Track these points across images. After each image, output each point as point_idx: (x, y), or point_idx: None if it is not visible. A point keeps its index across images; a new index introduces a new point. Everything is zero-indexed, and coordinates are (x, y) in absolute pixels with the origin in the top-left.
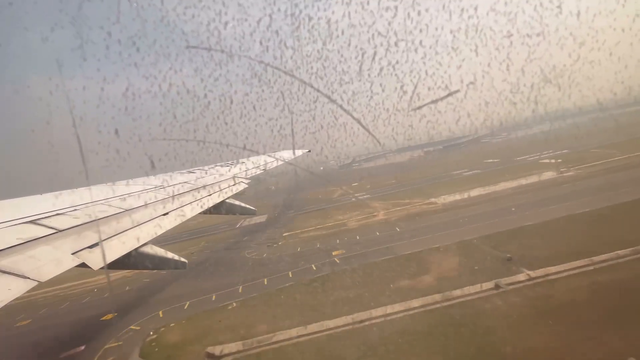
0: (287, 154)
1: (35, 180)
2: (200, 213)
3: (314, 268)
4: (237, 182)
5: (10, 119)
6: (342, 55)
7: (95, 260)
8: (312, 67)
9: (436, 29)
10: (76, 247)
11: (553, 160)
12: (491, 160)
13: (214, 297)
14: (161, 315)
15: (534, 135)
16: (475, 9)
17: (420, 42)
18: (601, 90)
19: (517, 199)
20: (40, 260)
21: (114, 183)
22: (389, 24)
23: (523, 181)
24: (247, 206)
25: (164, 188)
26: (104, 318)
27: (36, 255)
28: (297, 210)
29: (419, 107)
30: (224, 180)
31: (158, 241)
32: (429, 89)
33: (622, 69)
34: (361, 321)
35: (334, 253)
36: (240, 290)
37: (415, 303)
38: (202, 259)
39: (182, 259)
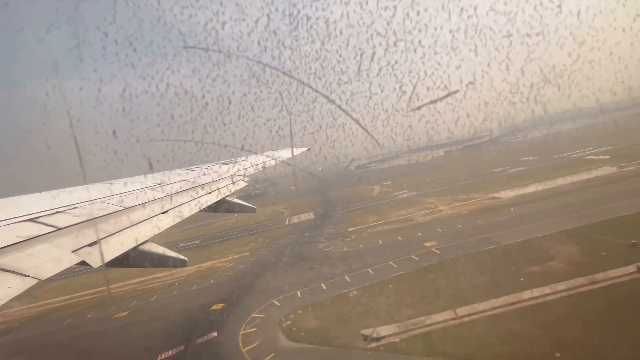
0: (286, 153)
1: (33, 181)
2: (200, 211)
3: (416, 258)
4: (236, 180)
5: (7, 120)
6: (340, 56)
7: (95, 259)
8: (310, 68)
9: (435, 28)
10: (76, 245)
11: (602, 157)
12: (528, 158)
13: (324, 286)
14: (278, 304)
15: (556, 134)
16: (475, 8)
17: (420, 42)
18: (601, 90)
19: (591, 192)
20: (40, 259)
21: (113, 182)
22: (388, 23)
23: (584, 176)
24: (247, 204)
25: (163, 186)
26: (213, 308)
27: (36, 254)
28: (343, 207)
29: (418, 108)
30: (223, 179)
31: (212, 238)
32: (428, 89)
33: (623, 68)
34: (513, 303)
35: (426, 244)
36: (348, 280)
37: (562, 286)
38: (279, 253)
39: (182, 257)
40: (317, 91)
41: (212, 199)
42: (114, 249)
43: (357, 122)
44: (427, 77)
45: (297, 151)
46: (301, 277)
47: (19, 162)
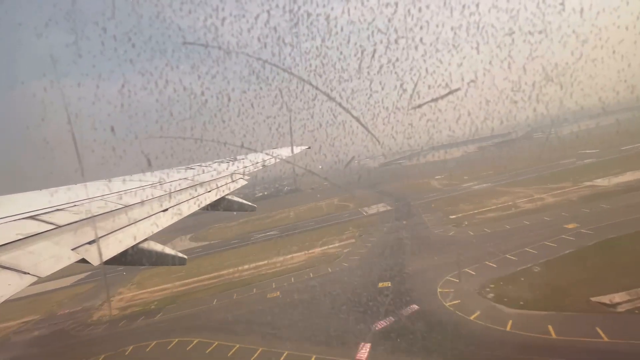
0: (286, 151)
1: (32, 177)
2: (199, 209)
3: (571, 238)
4: (236, 179)
5: (4, 116)
6: (341, 53)
7: (94, 256)
8: (310, 65)
9: (437, 26)
10: (76, 242)
11: None
12: (589, 151)
13: (492, 264)
14: (455, 280)
15: (591, 130)
16: (477, 5)
17: (421, 39)
18: (603, 89)
19: None
20: (40, 256)
21: (113, 179)
22: (389, 20)
23: None
24: (247, 203)
25: (162, 185)
26: (381, 285)
27: (36, 251)
28: (415, 199)
29: (419, 106)
30: (223, 177)
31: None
32: (429, 87)
33: (626, 67)
34: None
35: (568, 226)
36: (515, 259)
37: None
38: (394, 238)
39: (182, 255)
40: (317, 88)
41: (211, 197)
42: (113, 246)
43: (358, 120)
44: (429, 75)
45: (297, 150)
46: (449, 258)
47: (18, 159)
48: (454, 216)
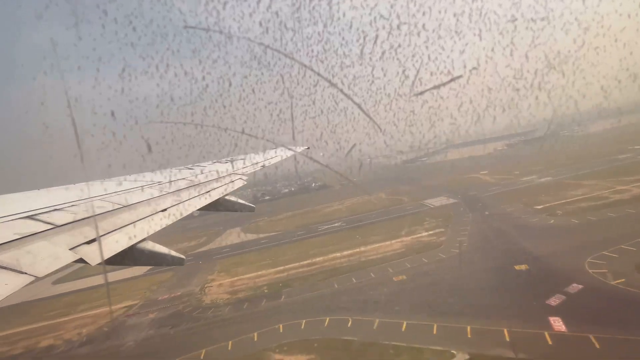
0: (284, 152)
1: (27, 170)
2: (198, 210)
3: None
4: (235, 179)
5: (1, 100)
6: (343, 38)
7: (92, 256)
8: (312, 50)
9: (439, 12)
10: (74, 242)
11: None
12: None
13: (629, 247)
14: (605, 262)
15: (621, 128)
16: None
17: (423, 25)
18: (605, 77)
19: None
20: (38, 256)
21: (111, 179)
22: (392, 6)
23: None
24: (246, 203)
25: (162, 184)
26: (518, 268)
27: (33, 251)
28: (481, 192)
29: (421, 93)
30: (222, 177)
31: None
32: (431, 74)
33: (628, 55)
34: None
35: None
36: None
37: None
38: (489, 227)
39: (180, 255)
40: (319, 74)
41: (209, 197)
42: (111, 246)
43: (359, 106)
44: (431, 61)
45: (296, 150)
46: (571, 242)
47: (15, 146)
48: (539, 207)
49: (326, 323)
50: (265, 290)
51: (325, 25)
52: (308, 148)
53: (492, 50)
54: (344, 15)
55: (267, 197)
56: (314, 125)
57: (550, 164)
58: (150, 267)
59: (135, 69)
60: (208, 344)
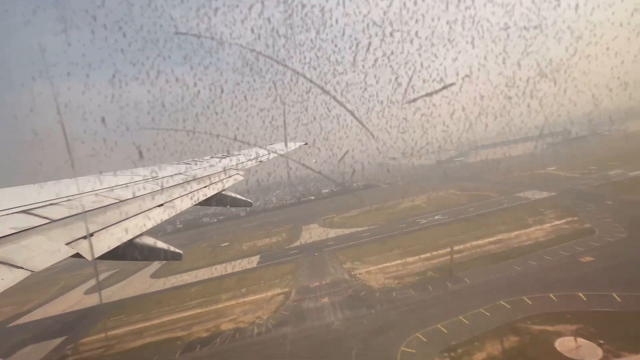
0: (280, 147)
1: (21, 170)
2: (195, 205)
3: None
4: (231, 174)
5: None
6: (336, 45)
7: (89, 251)
8: (305, 57)
9: (432, 19)
10: (70, 237)
11: None
12: None
13: None
14: None
15: None
16: None
17: (416, 33)
18: (597, 85)
19: None
20: (34, 250)
21: (107, 174)
22: (385, 13)
23: None
24: (243, 198)
25: (158, 180)
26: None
27: (29, 245)
28: (574, 185)
29: (414, 100)
30: (218, 173)
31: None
32: (424, 81)
33: (619, 64)
34: None
35: None
36: None
37: None
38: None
39: (177, 250)
40: (311, 81)
41: (207, 192)
42: (108, 241)
43: (352, 113)
44: (424, 69)
45: (294, 145)
46: None
47: (7, 149)
48: None
49: (554, 298)
50: (434, 275)
51: (317, 32)
52: (306, 144)
53: (485, 57)
54: (336, 22)
55: (311, 197)
56: (307, 131)
57: (620, 159)
58: (260, 262)
59: (126, 75)
60: (442, 319)
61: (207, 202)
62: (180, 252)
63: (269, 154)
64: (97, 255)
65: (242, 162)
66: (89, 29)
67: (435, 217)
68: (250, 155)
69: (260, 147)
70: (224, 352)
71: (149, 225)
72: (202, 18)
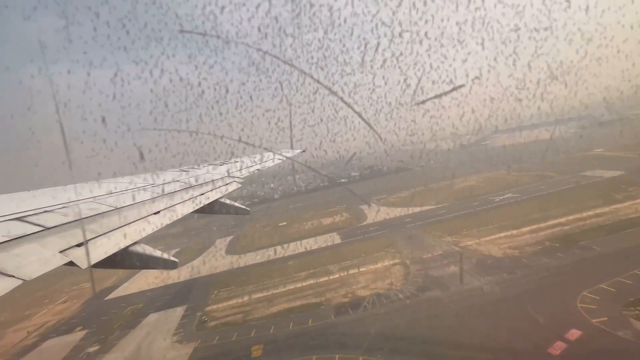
0: (280, 155)
1: (15, 170)
2: (191, 212)
3: None
4: (229, 182)
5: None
6: (344, 45)
7: (83, 259)
8: (312, 57)
9: (442, 20)
10: (64, 245)
11: None
12: None
13: None
14: None
15: None
16: (483, 0)
17: (426, 33)
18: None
19: None
20: (27, 259)
21: (103, 181)
22: (394, 13)
23: None
24: (241, 206)
25: (155, 186)
26: None
27: (22, 253)
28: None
29: (423, 102)
30: (216, 180)
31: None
32: (433, 82)
33: (630, 66)
34: None
35: None
36: None
37: None
38: None
39: (173, 259)
40: (319, 82)
41: (203, 200)
42: (103, 249)
43: (360, 115)
44: (433, 70)
45: (292, 152)
46: None
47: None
48: None
49: None
50: (555, 244)
51: (325, 32)
52: (304, 151)
53: (495, 59)
54: (345, 21)
55: (343, 180)
56: (313, 133)
57: None
58: (344, 238)
59: (128, 74)
60: (600, 280)
61: (204, 209)
62: (176, 260)
63: (268, 160)
64: (90, 263)
65: (240, 170)
66: (91, 26)
67: (507, 195)
68: (249, 163)
69: (260, 154)
70: (385, 313)
71: (145, 233)
72: (207, 16)
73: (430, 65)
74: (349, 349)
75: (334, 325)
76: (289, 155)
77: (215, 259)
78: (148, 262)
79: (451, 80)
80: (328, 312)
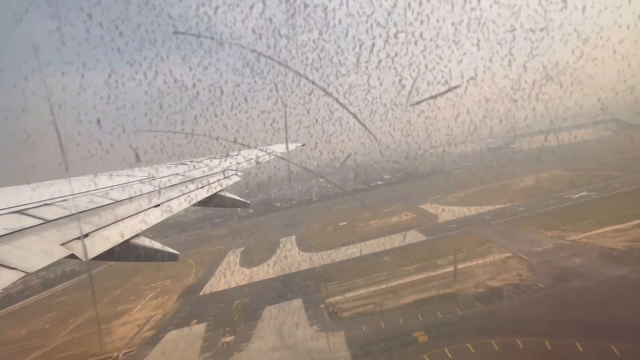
0: (280, 148)
1: (15, 171)
2: (192, 205)
3: None
4: (229, 175)
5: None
6: (339, 46)
7: (84, 252)
8: (307, 58)
9: (437, 20)
10: (65, 238)
11: None
12: None
13: None
14: None
15: None
16: (479, 0)
17: (421, 34)
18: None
19: None
20: (28, 251)
21: (103, 174)
22: (389, 14)
23: None
24: (240, 199)
25: (155, 180)
26: None
27: (23, 246)
28: None
29: (418, 103)
30: (216, 173)
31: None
32: (428, 83)
33: (625, 67)
34: None
35: None
36: None
37: None
38: None
39: (174, 251)
40: (313, 83)
41: (203, 193)
42: (104, 242)
43: (355, 116)
44: (428, 71)
45: (292, 146)
46: None
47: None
48: None
49: None
50: None
51: (320, 33)
52: (303, 145)
53: (490, 60)
54: (339, 22)
55: (379, 182)
56: (309, 134)
57: None
58: (428, 235)
59: (122, 75)
60: None
61: (204, 202)
62: (177, 253)
63: (267, 154)
64: (92, 256)
65: (240, 163)
66: (84, 28)
67: (583, 193)
68: (248, 157)
69: (259, 148)
70: (539, 300)
71: (145, 226)
72: (202, 17)
73: (426, 66)
74: (524, 334)
75: (488, 312)
76: (285, 150)
77: (293, 256)
78: (149, 255)
79: (446, 81)
80: (469, 301)
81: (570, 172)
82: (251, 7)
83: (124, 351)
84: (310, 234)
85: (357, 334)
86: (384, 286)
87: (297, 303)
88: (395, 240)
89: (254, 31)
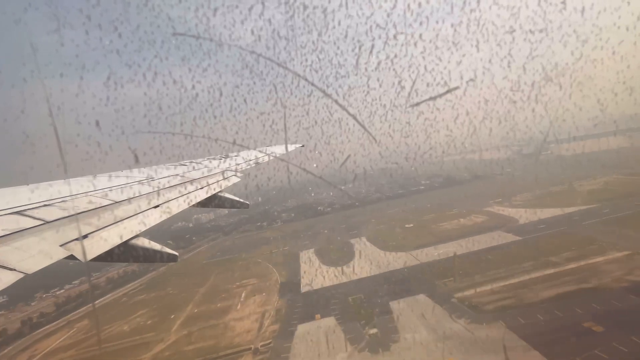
0: (279, 149)
1: (14, 172)
2: (192, 206)
3: None
4: (228, 176)
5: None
6: (338, 48)
7: (83, 253)
8: (306, 59)
9: (437, 22)
10: (64, 238)
11: None
12: None
13: None
14: None
15: None
16: (478, 2)
17: (420, 35)
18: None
19: None
20: (27, 252)
21: (102, 175)
22: (388, 15)
23: None
24: (240, 200)
25: (154, 181)
26: None
27: (23, 247)
28: None
29: (417, 104)
30: (215, 174)
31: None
32: (427, 84)
33: (625, 68)
34: None
35: None
36: None
37: None
38: None
39: (173, 252)
40: (313, 84)
41: (203, 194)
42: (103, 243)
43: (354, 117)
44: (427, 72)
45: (291, 147)
46: None
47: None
48: None
49: None
50: None
51: (319, 34)
52: (303, 146)
53: (490, 61)
54: (339, 23)
55: (420, 187)
56: (308, 135)
57: None
58: (524, 236)
59: (122, 77)
60: None
61: (204, 203)
62: (176, 254)
63: (266, 155)
64: (91, 257)
65: (239, 164)
66: (83, 29)
67: None
68: (248, 158)
69: (258, 149)
70: None
71: (145, 227)
72: (201, 19)
73: (425, 68)
74: None
75: None
76: (284, 151)
77: (378, 256)
78: (149, 256)
79: (446, 83)
80: (621, 294)
81: (629, 177)
82: (250, 9)
83: (261, 343)
84: (381, 235)
85: (517, 325)
86: (511, 282)
87: (422, 298)
88: (482, 241)
89: (252, 32)
